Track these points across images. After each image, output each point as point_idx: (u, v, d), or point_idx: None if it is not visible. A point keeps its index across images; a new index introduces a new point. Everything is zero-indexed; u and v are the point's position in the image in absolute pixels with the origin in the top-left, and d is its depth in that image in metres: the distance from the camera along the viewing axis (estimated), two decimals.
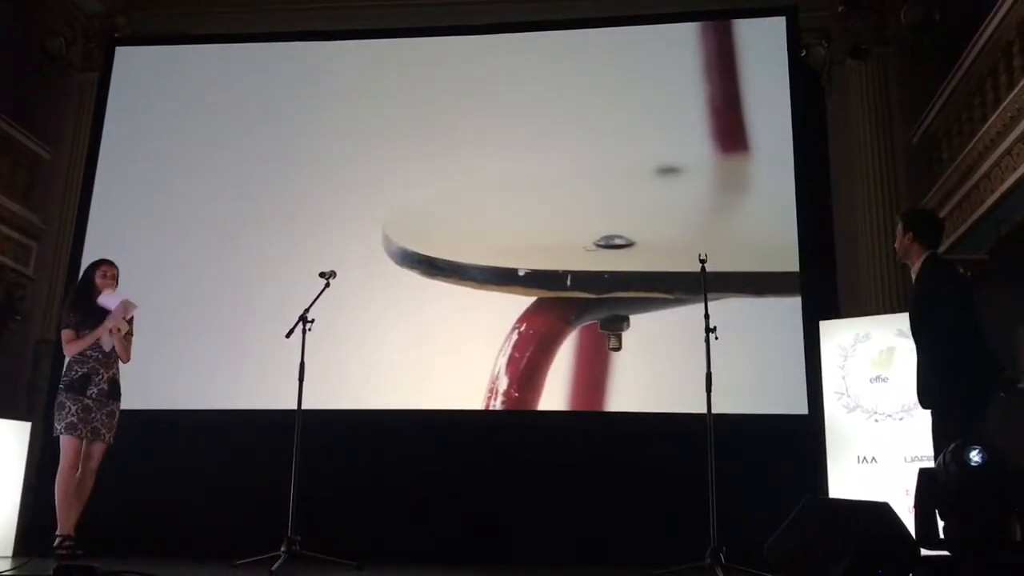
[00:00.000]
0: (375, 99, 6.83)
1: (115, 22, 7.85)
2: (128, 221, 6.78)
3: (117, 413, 4.93)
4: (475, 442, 6.07)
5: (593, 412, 6.02)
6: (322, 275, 5.20)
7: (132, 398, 6.20)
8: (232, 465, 6.08)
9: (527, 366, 6.08)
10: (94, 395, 4.83)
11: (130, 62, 7.23)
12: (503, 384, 6.09)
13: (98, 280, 5.02)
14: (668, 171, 6.37)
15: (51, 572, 3.81)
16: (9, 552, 5.33)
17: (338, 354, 6.13)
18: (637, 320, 6.10)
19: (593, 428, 6.03)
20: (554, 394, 6.07)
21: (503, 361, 6.09)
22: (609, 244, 6.13)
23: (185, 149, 6.92)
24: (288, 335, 4.98)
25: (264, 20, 7.57)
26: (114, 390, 4.93)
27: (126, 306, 4.93)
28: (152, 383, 6.33)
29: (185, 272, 6.61)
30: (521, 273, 6.19)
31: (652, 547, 5.24)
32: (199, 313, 6.51)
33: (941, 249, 6.31)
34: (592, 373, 6.05)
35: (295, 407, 4.99)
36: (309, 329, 5.04)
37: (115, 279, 5.05)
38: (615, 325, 6.03)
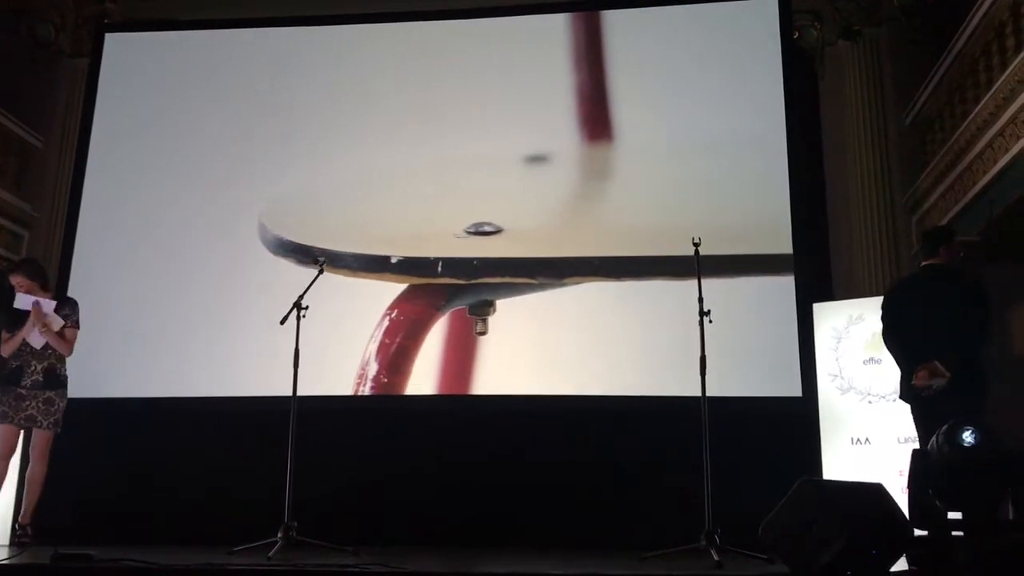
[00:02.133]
0: (369, 82, 6.83)
1: (105, 8, 7.81)
2: (120, 208, 6.77)
3: (59, 401, 5.22)
4: (468, 427, 6.09)
5: (586, 396, 6.03)
6: (316, 261, 5.21)
7: (127, 386, 6.29)
8: (228, 452, 6.10)
9: (396, 351, 6.17)
10: (28, 385, 5.14)
11: (120, 48, 7.20)
12: (373, 370, 6.18)
13: (13, 285, 5.23)
14: (536, 159, 6.50)
15: (48, 561, 3.81)
16: (5, 541, 5.34)
17: (333, 339, 6.18)
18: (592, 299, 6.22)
19: (587, 412, 6.04)
20: (423, 378, 6.15)
21: (373, 347, 6.18)
22: (478, 231, 6.27)
23: (176, 135, 6.90)
24: (282, 322, 4.97)
25: (253, 6, 7.52)
26: (51, 380, 5.21)
27: (35, 310, 5.14)
28: (147, 370, 6.36)
29: (178, 258, 6.60)
30: (393, 260, 6.27)
31: (647, 530, 5.25)
32: (193, 300, 6.50)
33: None
34: (460, 357, 6.17)
35: (290, 393, 4.99)
36: (303, 316, 5.03)
37: (22, 286, 5.21)
38: (482, 310, 6.16)
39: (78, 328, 5.34)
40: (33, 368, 5.18)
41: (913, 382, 4.45)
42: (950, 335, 4.42)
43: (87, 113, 7.07)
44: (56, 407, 5.20)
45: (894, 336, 4.68)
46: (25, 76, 7.66)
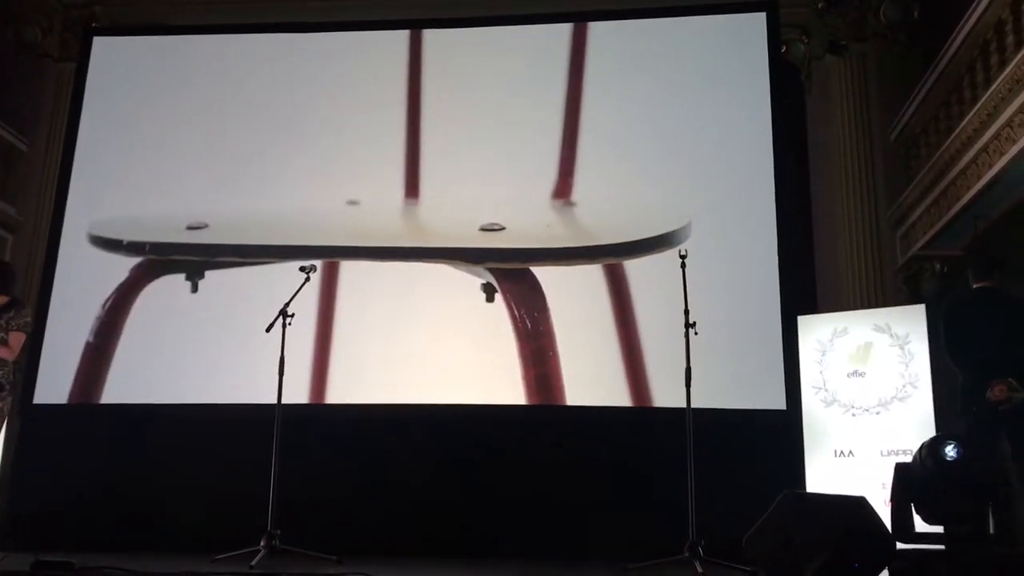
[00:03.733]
0: (367, 91, 6.83)
1: (92, 12, 7.79)
2: (105, 212, 6.74)
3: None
4: (454, 437, 6.07)
5: (567, 407, 6.03)
6: (302, 269, 5.22)
7: (109, 392, 6.26)
8: (211, 460, 6.06)
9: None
10: None
11: (108, 52, 7.16)
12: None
13: None
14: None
15: (28, 568, 3.78)
16: None
17: (317, 348, 6.17)
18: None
19: (569, 423, 6.04)
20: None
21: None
22: (489, 228, 6.39)
23: (163, 139, 6.87)
24: (268, 329, 4.96)
25: (241, 11, 7.53)
26: None
27: None
28: (129, 377, 6.31)
29: (163, 264, 6.59)
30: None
31: (631, 542, 5.26)
32: (177, 306, 6.47)
33: (918, 245, 6.44)
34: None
35: (275, 401, 4.98)
36: (289, 323, 5.02)
37: None
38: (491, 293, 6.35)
39: (24, 332, 5.11)
40: None
41: (989, 396, 4.58)
42: (1017, 353, 4.64)
43: (73, 117, 7.02)
44: None
45: (960, 352, 4.84)
46: (11, 79, 7.63)
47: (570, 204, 6.46)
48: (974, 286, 4.98)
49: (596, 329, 6.13)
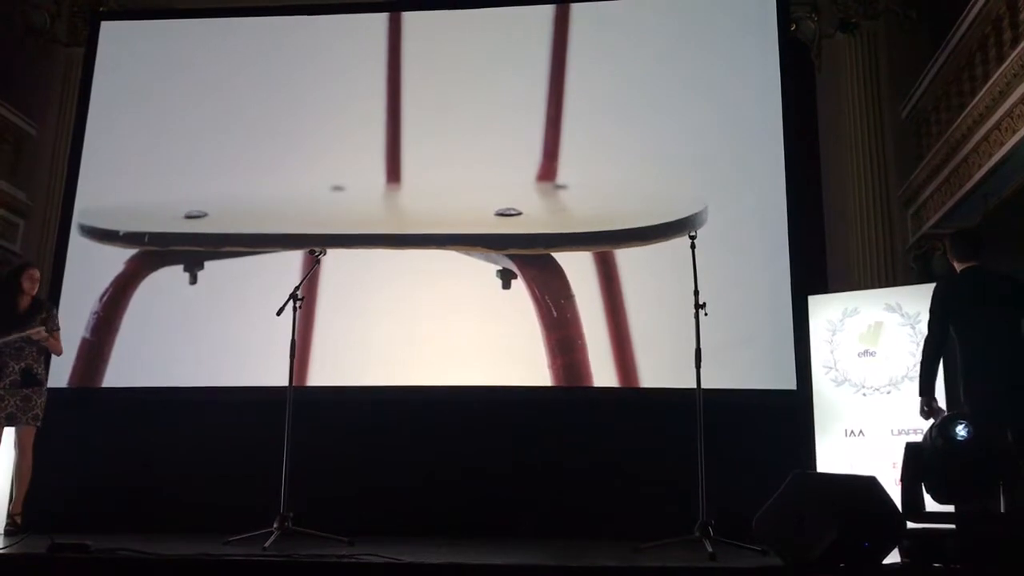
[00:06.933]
0: (373, 74, 6.82)
1: None
2: (115, 196, 6.75)
3: (36, 398, 5.42)
4: (466, 418, 6.10)
5: (580, 387, 6.04)
6: (312, 252, 5.22)
7: (124, 376, 6.30)
8: (224, 442, 6.10)
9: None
10: (7, 385, 5.35)
11: (116, 36, 7.17)
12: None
13: (25, 284, 5.52)
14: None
15: (45, 550, 3.82)
16: (0, 530, 5.36)
17: (329, 330, 6.19)
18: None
19: (582, 403, 6.06)
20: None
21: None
22: (505, 214, 6.34)
23: (172, 123, 6.88)
24: (279, 312, 4.98)
25: None
26: (28, 378, 5.39)
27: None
28: (143, 361, 6.36)
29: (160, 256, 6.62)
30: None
31: (641, 521, 5.28)
32: (189, 290, 6.50)
33: (929, 224, 6.40)
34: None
35: (286, 384, 5.00)
36: (299, 306, 5.04)
37: (36, 282, 5.59)
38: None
39: (59, 328, 5.63)
40: (11, 369, 5.37)
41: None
42: (1012, 341, 4.45)
43: (83, 101, 7.05)
44: (33, 403, 5.39)
45: (940, 340, 4.61)
46: (20, 64, 7.63)
47: (560, 187, 6.42)
48: (960, 269, 4.69)
49: (596, 311, 6.13)
